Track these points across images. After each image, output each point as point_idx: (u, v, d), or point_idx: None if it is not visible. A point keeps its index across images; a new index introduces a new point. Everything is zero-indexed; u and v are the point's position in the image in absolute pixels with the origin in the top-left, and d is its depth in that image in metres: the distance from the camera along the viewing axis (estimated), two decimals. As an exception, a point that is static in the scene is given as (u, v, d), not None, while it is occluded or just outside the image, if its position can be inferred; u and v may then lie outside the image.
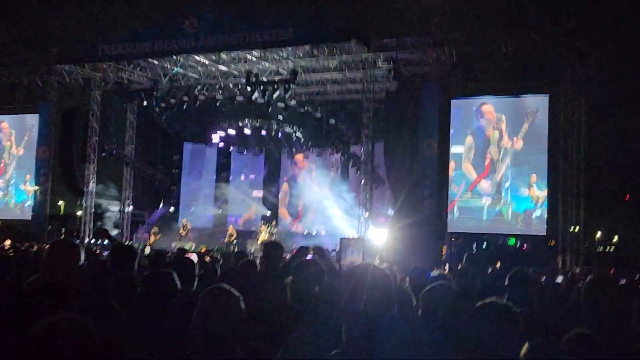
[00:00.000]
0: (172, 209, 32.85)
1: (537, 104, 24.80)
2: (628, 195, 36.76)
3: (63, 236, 26.15)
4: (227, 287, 3.10)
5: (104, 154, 29.05)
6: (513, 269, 5.89)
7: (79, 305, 3.14)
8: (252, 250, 24.85)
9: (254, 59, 25.36)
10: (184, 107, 27.25)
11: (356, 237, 23.64)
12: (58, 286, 3.77)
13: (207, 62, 26.20)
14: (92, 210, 29.35)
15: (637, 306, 4.55)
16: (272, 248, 6.55)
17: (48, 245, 4.06)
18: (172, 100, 26.84)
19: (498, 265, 14.13)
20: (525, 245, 24.67)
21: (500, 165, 24.99)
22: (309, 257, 6.10)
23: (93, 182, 29.49)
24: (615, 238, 39.62)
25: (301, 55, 24.93)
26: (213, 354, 2.85)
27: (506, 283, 5.43)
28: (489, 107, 25.41)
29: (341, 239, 22.71)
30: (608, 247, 37.63)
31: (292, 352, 2.94)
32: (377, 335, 2.51)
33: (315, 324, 3.00)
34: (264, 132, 31.67)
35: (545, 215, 24.20)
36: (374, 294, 2.56)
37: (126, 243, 22.19)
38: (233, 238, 29.12)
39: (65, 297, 3.67)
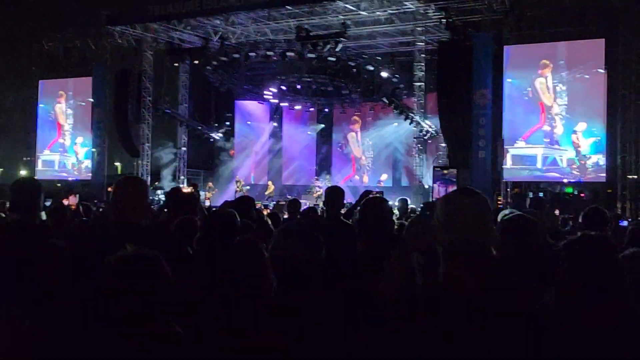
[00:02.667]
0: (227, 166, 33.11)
1: (593, 50, 24.21)
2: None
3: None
4: (305, 224, 3.10)
5: (158, 114, 29.43)
6: (587, 207, 5.86)
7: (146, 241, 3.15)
8: (307, 203, 25.01)
9: (303, 14, 25.20)
10: (235, 65, 27.32)
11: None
12: (126, 223, 3.82)
13: (257, 18, 26.14)
14: (149, 170, 29.84)
15: None
16: (334, 192, 6.57)
17: (117, 181, 4.01)
18: (223, 59, 26.92)
19: (557, 212, 14.00)
20: (583, 193, 24.26)
21: (554, 113, 24.57)
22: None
23: (148, 142, 29.91)
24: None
25: (351, 8, 24.68)
26: (289, 293, 2.82)
27: (580, 220, 5.39)
28: (543, 53, 24.92)
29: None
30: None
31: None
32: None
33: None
34: (315, 88, 31.62)
35: (603, 163, 23.78)
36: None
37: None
38: (271, 191, 29.60)
39: (134, 233, 3.74)
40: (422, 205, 4.73)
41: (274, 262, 2.88)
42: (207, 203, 15.05)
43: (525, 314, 2.51)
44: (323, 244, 2.89)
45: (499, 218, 4.80)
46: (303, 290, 2.80)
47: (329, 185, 30.02)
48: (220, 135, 32.26)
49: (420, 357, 2.41)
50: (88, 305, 3.26)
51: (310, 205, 8.06)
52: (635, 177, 23.79)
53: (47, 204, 10.70)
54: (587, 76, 24.25)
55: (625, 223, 11.87)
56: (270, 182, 31.16)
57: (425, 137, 26.35)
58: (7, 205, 5.08)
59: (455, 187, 20.93)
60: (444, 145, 25.92)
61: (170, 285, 2.78)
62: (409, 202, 11.31)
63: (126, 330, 2.71)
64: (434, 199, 20.90)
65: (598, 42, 23.98)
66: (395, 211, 9.97)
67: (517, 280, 3.12)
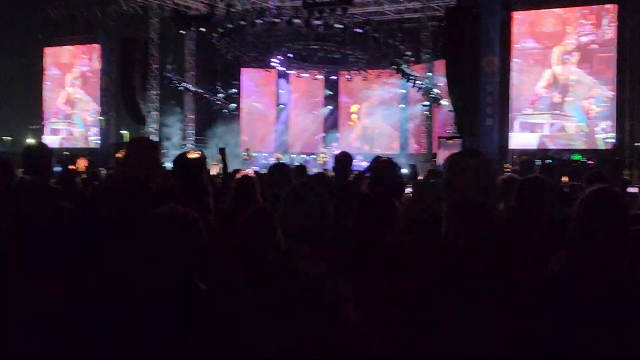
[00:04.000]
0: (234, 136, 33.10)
1: (604, 15, 24.03)
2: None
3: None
4: (313, 183, 3.08)
5: (164, 82, 29.37)
6: (590, 172, 5.92)
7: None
8: (314, 170, 25.02)
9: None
10: (242, 32, 27.19)
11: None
12: (136, 183, 3.86)
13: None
14: (157, 138, 29.86)
15: None
16: (343, 158, 6.59)
17: (129, 140, 4.07)
18: (230, 26, 26.78)
19: (566, 179, 13.97)
20: (591, 160, 24.20)
21: (563, 81, 24.47)
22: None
23: (155, 110, 29.90)
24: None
25: (358, -26, 24.52)
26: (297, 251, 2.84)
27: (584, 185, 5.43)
28: (553, 19, 24.76)
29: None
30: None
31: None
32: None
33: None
34: (322, 55, 31.46)
35: (612, 130, 23.73)
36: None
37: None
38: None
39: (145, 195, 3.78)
40: (428, 171, 4.80)
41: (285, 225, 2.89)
42: (217, 170, 14.96)
43: (529, 271, 2.57)
44: (332, 207, 2.90)
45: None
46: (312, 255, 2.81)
47: (336, 152, 30.10)
48: (227, 102, 32.20)
49: (422, 311, 2.47)
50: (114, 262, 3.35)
51: (319, 171, 8.07)
52: (643, 144, 23.72)
53: (57, 169, 10.73)
54: (597, 44, 24.12)
55: (635, 190, 11.86)
56: (276, 154, 31.10)
57: (432, 105, 26.25)
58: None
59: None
60: (451, 112, 25.80)
61: (205, 245, 2.89)
62: (418, 168, 11.31)
63: (155, 285, 2.81)
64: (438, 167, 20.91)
65: (611, 7, 23.80)
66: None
67: (525, 238, 3.17)
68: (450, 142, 23.53)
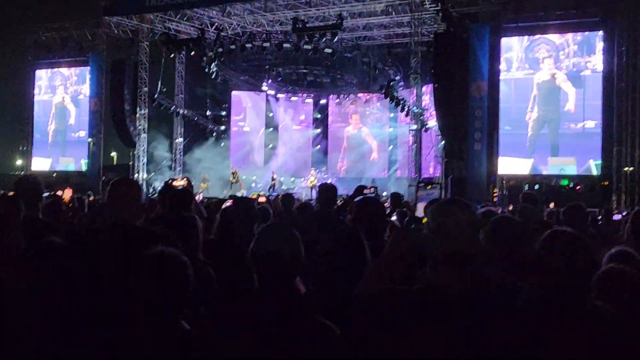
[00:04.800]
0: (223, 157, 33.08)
1: (590, 41, 24.28)
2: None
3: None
4: (285, 224, 3.12)
5: (154, 105, 29.39)
6: (568, 203, 5.97)
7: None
8: (303, 195, 25.07)
9: (300, 5, 25.18)
10: (232, 56, 27.31)
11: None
12: (121, 224, 3.90)
13: (253, 10, 26.10)
14: (145, 160, 29.84)
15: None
16: (327, 189, 6.62)
17: (110, 184, 4.10)
18: (220, 50, 26.89)
19: (552, 205, 14.06)
20: (579, 186, 24.33)
21: (551, 106, 24.66)
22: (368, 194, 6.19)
23: (144, 132, 29.90)
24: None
25: (347, 0, 24.67)
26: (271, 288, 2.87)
27: (561, 217, 5.48)
28: (541, 45, 24.97)
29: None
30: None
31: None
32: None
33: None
34: (311, 79, 31.63)
35: (599, 156, 23.87)
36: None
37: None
38: (273, 183, 29.54)
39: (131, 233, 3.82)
40: (407, 219, 4.79)
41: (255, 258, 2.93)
42: (200, 197, 14.98)
43: (510, 311, 2.64)
44: (300, 241, 2.94)
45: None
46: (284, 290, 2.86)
47: (325, 175, 30.18)
48: (217, 126, 32.26)
49: (408, 356, 2.53)
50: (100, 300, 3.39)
51: (304, 201, 8.12)
52: (631, 169, 23.86)
53: (45, 194, 10.73)
54: (584, 70, 24.34)
55: (619, 217, 11.93)
56: (273, 172, 31.11)
57: (421, 129, 26.33)
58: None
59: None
60: (440, 136, 25.90)
61: (192, 287, 2.93)
62: (402, 196, 11.40)
63: (141, 326, 2.86)
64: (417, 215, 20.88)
65: (598, 34, 24.05)
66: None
67: (504, 280, 3.22)
68: (428, 188, 23.16)
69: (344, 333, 2.71)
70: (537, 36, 24.86)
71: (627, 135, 23.66)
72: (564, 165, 24.41)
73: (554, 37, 24.71)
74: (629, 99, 23.53)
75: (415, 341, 2.52)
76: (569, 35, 24.52)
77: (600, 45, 24.02)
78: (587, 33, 24.29)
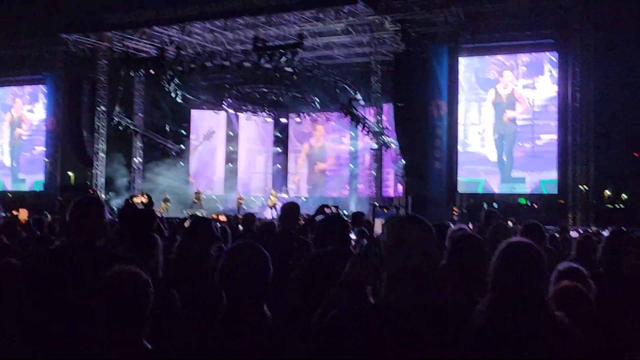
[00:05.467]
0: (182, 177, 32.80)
1: (547, 61, 24.73)
2: (636, 153, 36.70)
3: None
4: (255, 243, 3.09)
5: (112, 124, 29.05)
6: (525, 222, 6.05)
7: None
8: (264, 214, 25.02)
9: (260, 24, 25.23)
10: (192, 74, 27.19)
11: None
12: (82, 244, 3.84)
13: (213, 28, 26.09)
14: (103, 180, 29.49)
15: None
16: (290, 208, 6.61)
17: (73, 203, 4.03)
18: (179, 68, 26.75)
19: (510, 224, 14.19)
20: (536, 204, 24.70)
21: (506, 124, 25.02)
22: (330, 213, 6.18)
23: (102, 152, 29.57)
24: (624, 196, 39.65)
25: (308, 19, 24.80)
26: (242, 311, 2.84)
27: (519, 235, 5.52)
28: (498, 65, 25.36)
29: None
30: (617, 205, 37.64)
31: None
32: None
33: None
34: (272, 98, 31.63)
35: (555, 175, 24.25)
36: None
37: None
38: (241, 203, 29.35)
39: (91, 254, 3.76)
40: (365, 241, 4.76)
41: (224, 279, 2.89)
42: (160, 215, 14.86)
43: (464, 329, 2.63)
44: (269, 263, 2.92)
45: (449, 234, 4.91)
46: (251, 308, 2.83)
47: (285, 195, 30.12)
48: (176, 145, 32.02)
49: None
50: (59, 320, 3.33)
51: (266, 221, 8.10)
52: (586, 187, 24.24)
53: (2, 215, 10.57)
54: (540, 89, 24.77)
55: (575, 234, 12.13)
56: (239, 192, 30.95)
57: (382, 148, 26.49)
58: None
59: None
60: (400, 155, 26.06)
61: (152, 305, 2.92)
62: (364, 214, 11.46)
63: (103, 345, 2.83)
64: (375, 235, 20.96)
65: (552, 55, 24.52)
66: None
67: (463, 299, 3.22)
68: (385, 210, 23.20)
69: (309, 354, 2.69)
70: (487, 57, 25.29)
71: (582, 154, 24.04)
72: (515, 184, 24.77)
73: (509, 57, 25.15)
74: (583, 119, 23.95)
75: None
76: (518, 56, 25.00)
77: (547, 66, 24.55)
78: (541, 53, 24.76)
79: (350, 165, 31.49)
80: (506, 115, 24.96)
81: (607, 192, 36.60)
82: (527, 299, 2.72)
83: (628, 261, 4.83)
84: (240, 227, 9.68)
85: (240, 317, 2.80)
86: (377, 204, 21.15)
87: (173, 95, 29.56)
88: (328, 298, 2.86)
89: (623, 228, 6.58)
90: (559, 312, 2.85)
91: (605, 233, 10.11)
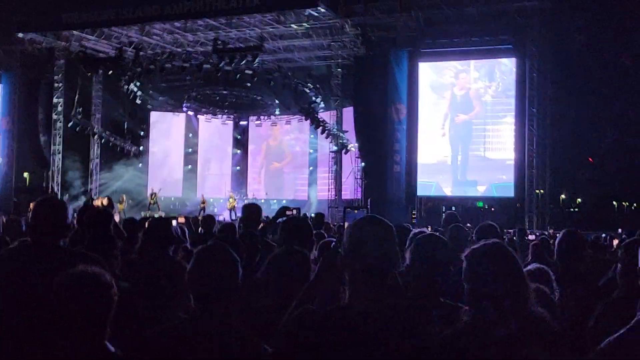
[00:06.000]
0: (139, 179, 32.47)
1: (504, 67, 25.06)
2: (591, 158, 37.35)
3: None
4: (224, 246, 3.07)
5: (69, 124, 28.63)
6: (480, 224, 6.11)
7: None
8: (223, 217, 24.93)
9: (220, 26, 25.14)
10: (151, 76, 26.98)
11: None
12: (43, 243, 3.79)
13: (173, 29, 25.93)
14: (59, 181, 29.07)
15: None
16: (251, 210, 6.59)
17: (35, 203, 3.98)
18: (138, 69, 26.50)
19: (468, 226, 14.32)
20: (493, 207, 25.02)
21: (465, 128, 25.28)
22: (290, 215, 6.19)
23: (59, 153, 29.15)
24: (579, 200, 40.35)
25: (269, 22, 24.78)
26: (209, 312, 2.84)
27: (474, 237, 5.59)
28: (456, 70, 25.62)
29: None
30: (572, 209, 38.26)
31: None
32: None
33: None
34: (232, 100, 31.55)
35: (512, 178, 24.57)
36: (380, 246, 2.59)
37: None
38: (203, 205, 29.18)
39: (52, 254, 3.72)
40: (333, 243, 4.79)
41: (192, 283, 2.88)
42: (117, 218, 14.64)
43: (430, 332, 2.64)
44: (238, 266, 2.92)
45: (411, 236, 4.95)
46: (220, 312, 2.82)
47: (244, 197, 30.04)
48: (134, 146, 31.69)
49: None
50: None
51: (227, 222, 8.09)
52: (542, 191, 24.61)
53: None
54: (498, 94, 25.09)
55: (532, 237, 12.30)
56: (202, 195, 30.79)
57: (341, 151, 26.55)
58: None
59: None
60: (359, 158, 26.16)
61: (113, 307, 2.87)
62: (324, 216, 11.50)
63: (65, 347, 2.79)
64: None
65: (510, 61, 24.86)
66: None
67: (426, 300, 3.25)
68: (355, 212, 23.26)
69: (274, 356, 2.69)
70: (446, 61, 25.56)
71: (538, 159, 24.40)
72: (467, 187, 25.08)
73: (467, 63, 25.45)
74: (539, 124, 24.31)
75: None
76: (477, 61, 25.33)
77: (505, 71, 24.91)
78: (494, 59, 25.10)
79: (310, 167, 31.50)
80: (461, 119, 25.23)
81: (563, 196, 37.20)
82: (509, 302, 2.73)
83: (584, 260, 4.92)
84: (200, 230, 9.62)
85: (209, 318, 2.79)
86: (349, 206, 21.30)
87: (132, 96, 29.28)
88: (297, 300, 2.86)
89: (573, 230, 6.68)
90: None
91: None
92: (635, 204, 39.85)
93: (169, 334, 2.86)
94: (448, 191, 25.26)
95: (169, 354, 2.77)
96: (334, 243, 3.02)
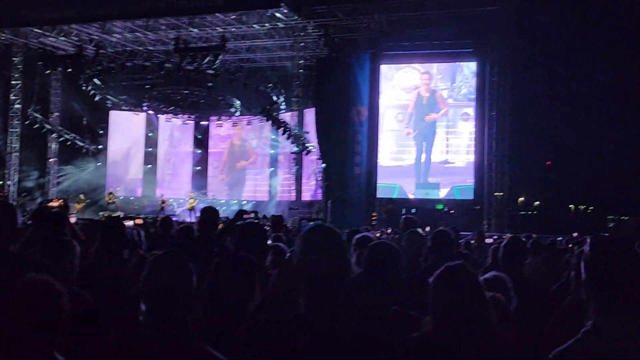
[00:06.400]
0: (98, 178, 32.08)
1: (465, 71, 25.29)
2: (549, 162, 37.94)
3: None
4: (180, 254, 3.04)
5: (26, 122, 28.19)
6: (434, 229, 6.17)
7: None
8: (182, 217, 24.79)
9: (182, 25, 24.96)
10: (111, 74, 26.70)
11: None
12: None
13: (135, 28, 25.68)
14: (16, 180, 28.61)
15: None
16: (208, 213, 6.56)
17: None
18: (98, 67, 26.21)
19: (428, 229, 14.44)
20: (452, 210, 25.23)
21: (425, 131, 25.46)
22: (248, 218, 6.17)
23: (16, 152, 28.69)
24: (537, 203, 40.93)
25: (231, 21, 24.68)
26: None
27: (428, 243, 5.62)
28: (417, 73, 25.79)
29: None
30: (530, 212, 38.80)
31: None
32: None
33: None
34: (192, 99, 31.37)
35: (472, 181, 24.81)
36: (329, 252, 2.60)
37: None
38: (163, 205, 28.96)
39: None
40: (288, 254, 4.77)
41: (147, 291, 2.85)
42: (74, 219, 14.40)
43: (391, 342, 2.66)
44: (193, 272, 2.89)
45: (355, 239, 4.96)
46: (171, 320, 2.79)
47: (204, 197, 29.89)
48: (93, 145, 31.33)
49: None
50: None
51: (185, 225, 8.03)
52: (501, 194, 24.89)
53: None
54: (459, 98, 25.32)
55: (490, 240, 12.44)
56: (162, 195, 30.54)
57: (302, 152, 26.55)
58: None
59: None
60: (320, 159, 26.16)
61: (65, 315, 2.81)
62: (283, 218, 11.50)
63: (12, 357, 2.73)
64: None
65: (472, 65, 25.10)
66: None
67: (380, 306, 3.27)
68: (310, 223, 23.15)
69: None
70: (414, 64, 25.72)
71: (498, 162, 24.69)
72: (430, 190, 25.28)
73: (429, 66, 25.63)
74: (499, 127, 24.59)
75: None
76: (438, 64, 25.55)
77: (466, 75, 25.17)
78: (462, 63, 25.32)
79: (271, 168, 31.43)
80: (424, 121, 25.40)
81: (521, 199, 37.71)
82: (468, 318, 2.78)
83: (527, 265, 4.98)
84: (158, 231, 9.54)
85: (162, 329, 2.75)
86: (304, 217, 21.25)
87: (91, 94, 28.93)
88: (253, 309, 2.86)
89: (519, 235, 6.79)
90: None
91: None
92: (591, 208, 40.55)
93: (121, 344, 2.81)
94: (411, 194, 25.42)
95: None
96: (288, 254, 3.02)
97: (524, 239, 5.99)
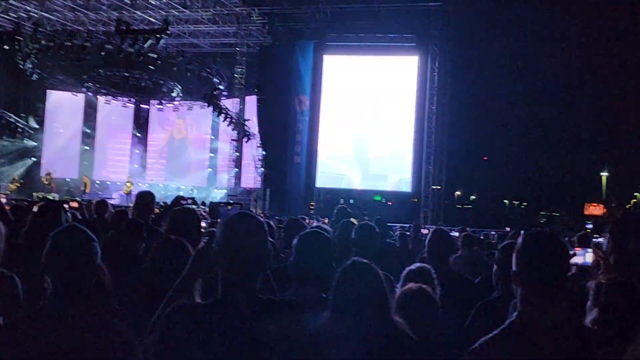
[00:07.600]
0: (33, 158, 31.41)
1: (408, 64, 25.55)
2: (486, 157, 38.63)
3: None
4: (80, 227, 3.02)
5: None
6: (358, 223, 6.24)
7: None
8: (118, 201, 24.48)
9: (124, 6, 24.59)
10: (50, 53, 26.10)
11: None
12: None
13: (75, 7, 25.17)
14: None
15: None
16: (144, 197, 6.52)
17: None
18: (36, 46, 25.58)
19: (366, 219, 14.58)
20: (390, 202, 25.52)
21: (364, 124, 25.66)
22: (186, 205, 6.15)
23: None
24: (473, 197, 41.68)
25: (174, 5, 24.41)
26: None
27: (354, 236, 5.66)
28: (361, 65, 25.96)
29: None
30: (466, 205, 39.48)
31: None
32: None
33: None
34: (133, 82, 30.91)
35: (410, 174, 25.12)
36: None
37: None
38: (87, 188, 28.55)
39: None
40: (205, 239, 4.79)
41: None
42: (4, 199, 14.08)
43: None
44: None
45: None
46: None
47: (142, 182, 29.54)
48: (29, 125, 30.62)
49: None
50: None
51: (119, 209, 7.97)
52: (439, 187, 25.28)
53: None
54: (398, 92, 25.56)
55: (426, 231, 12.63)
56: (85, 177, 30.00)
57: (242, 139, 26.45)
58: None
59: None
60: (260, 147, 26.13)
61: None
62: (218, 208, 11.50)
63: None
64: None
65: (412, 59, 25.37)
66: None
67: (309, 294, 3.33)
68: (229, 207, 23.13)
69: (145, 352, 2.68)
70: (356, 56, 25.88)
71: (436, 156, 25.07)
72: (377, 182, 25.52)
73: (371, 59, 25.84)
74: (438, 122, 24.96)
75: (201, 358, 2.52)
76: (380, 57, 25.77)
77: (408, 69, 25.46)
78: (402, 57, 25.59)
79: (211, 154, 31.25)
80: (366, 116, 25.58)
81: (458, 193, 38.34)
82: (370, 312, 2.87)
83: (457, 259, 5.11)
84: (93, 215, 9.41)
85: (68, 302, 2.75)
86: (222, 202, 21.15)
87: (28, 73, 28.24)
88: (170, 294, 2.87)
89: (443, 228, 6.94)
90: (403, 316, 3.00)
91: (455, 233, 10.65)
92: (525, 204, 41.51)
93: (26, 321, 2.80)
94: (358, 184, 25.60)
95: (28, 342, 2.71)
96: (205, 239, 3.04)
97: (453, 232, 6.11)
